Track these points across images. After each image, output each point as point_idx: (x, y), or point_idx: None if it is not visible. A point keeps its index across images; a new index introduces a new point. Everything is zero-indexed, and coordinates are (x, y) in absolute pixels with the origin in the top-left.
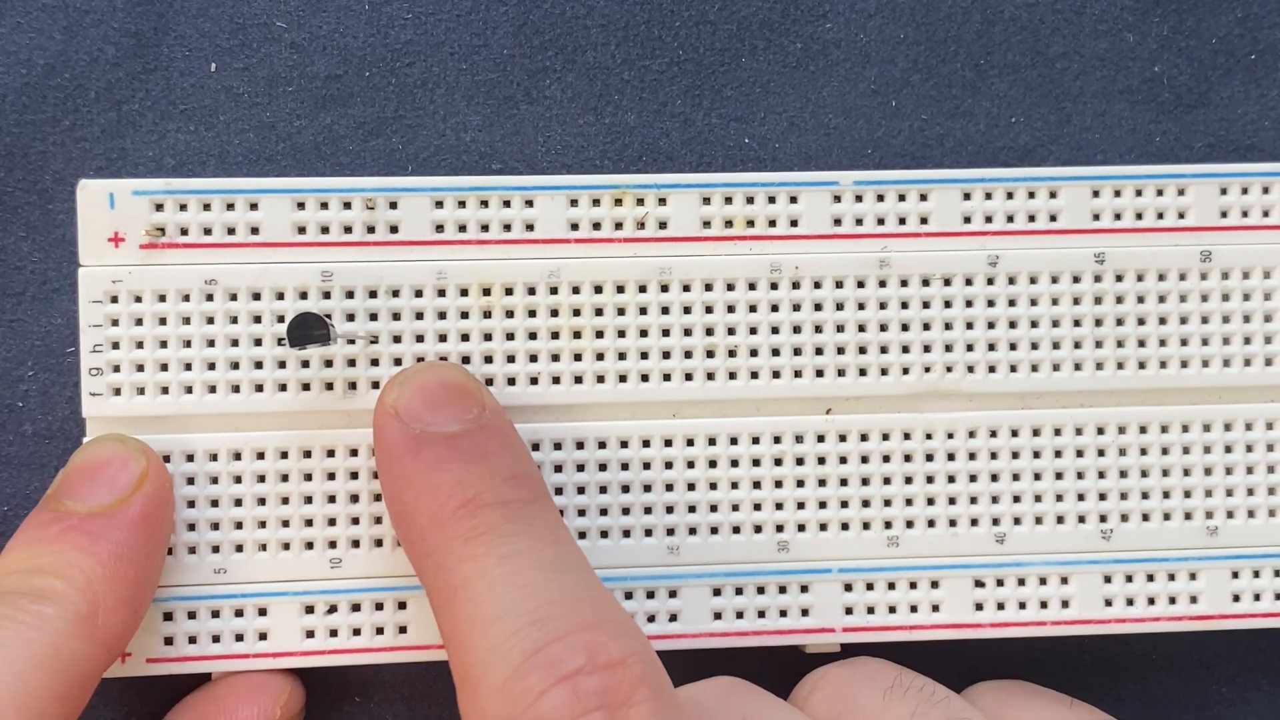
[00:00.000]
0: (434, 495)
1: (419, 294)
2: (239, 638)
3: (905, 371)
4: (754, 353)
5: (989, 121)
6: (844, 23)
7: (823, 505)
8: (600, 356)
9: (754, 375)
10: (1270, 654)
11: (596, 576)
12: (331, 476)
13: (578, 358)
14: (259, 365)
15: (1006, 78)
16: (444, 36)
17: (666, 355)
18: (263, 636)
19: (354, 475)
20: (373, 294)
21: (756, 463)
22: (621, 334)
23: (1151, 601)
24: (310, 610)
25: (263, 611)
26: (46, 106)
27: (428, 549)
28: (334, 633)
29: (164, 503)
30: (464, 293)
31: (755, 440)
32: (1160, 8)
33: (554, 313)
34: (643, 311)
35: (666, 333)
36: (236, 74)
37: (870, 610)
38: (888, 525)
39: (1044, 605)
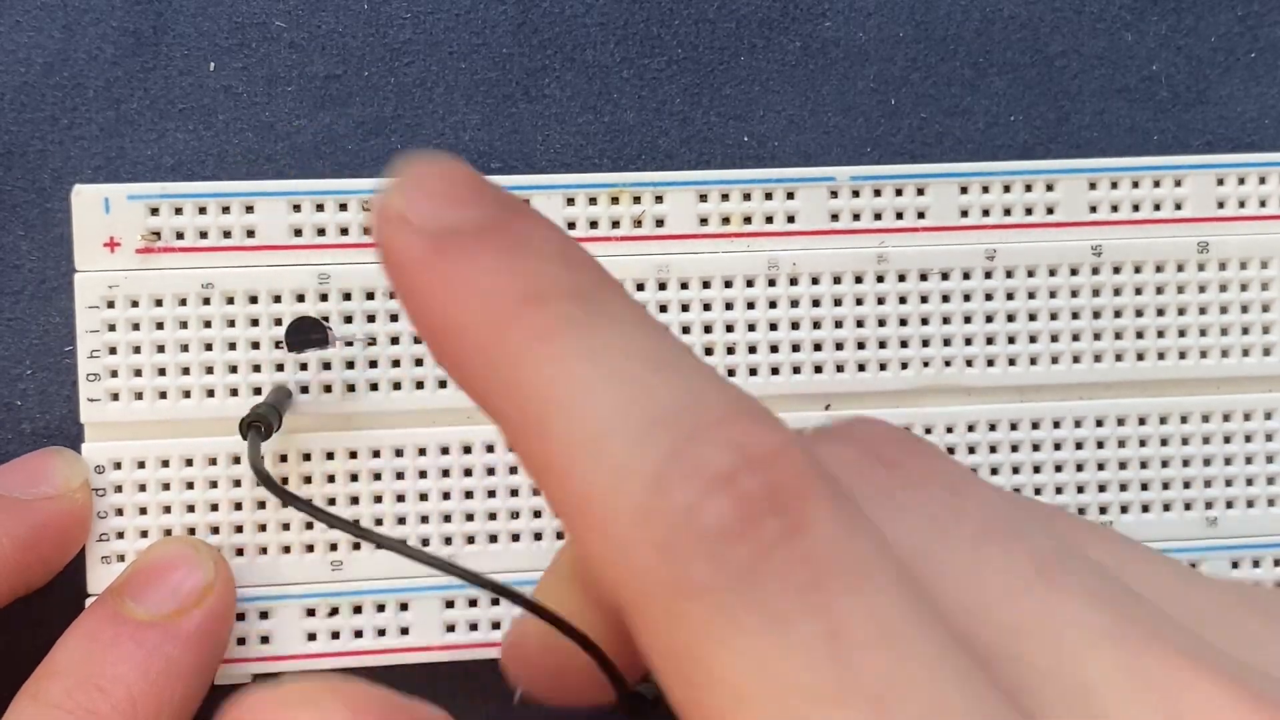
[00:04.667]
0: (482, 298)
1: None
2: (240, 641)
3: (904, 366)
4: (753, 349)
5: (988, 120)
6: (843, 21)
7: None
8: None
9: (753, 372)
10: None
11: (710, 369)
12: (331, 479)
13: None
14: (257, 369)
15: (1005, 76)
16: (443, 36)
17: None
18: (264, 640)
19: (354, 477)
20: (370, 296)
21: None
22: None
23: None
24: (311, 613)
25: (264, 615)
26: (45, 105)
27: (489, 365)
28: (335, 635)
29: (225, 618)
30: None
31: None
32: (1159, 6)
33: None
34: None
35: None
36: (235, 73)
37: None
38: None
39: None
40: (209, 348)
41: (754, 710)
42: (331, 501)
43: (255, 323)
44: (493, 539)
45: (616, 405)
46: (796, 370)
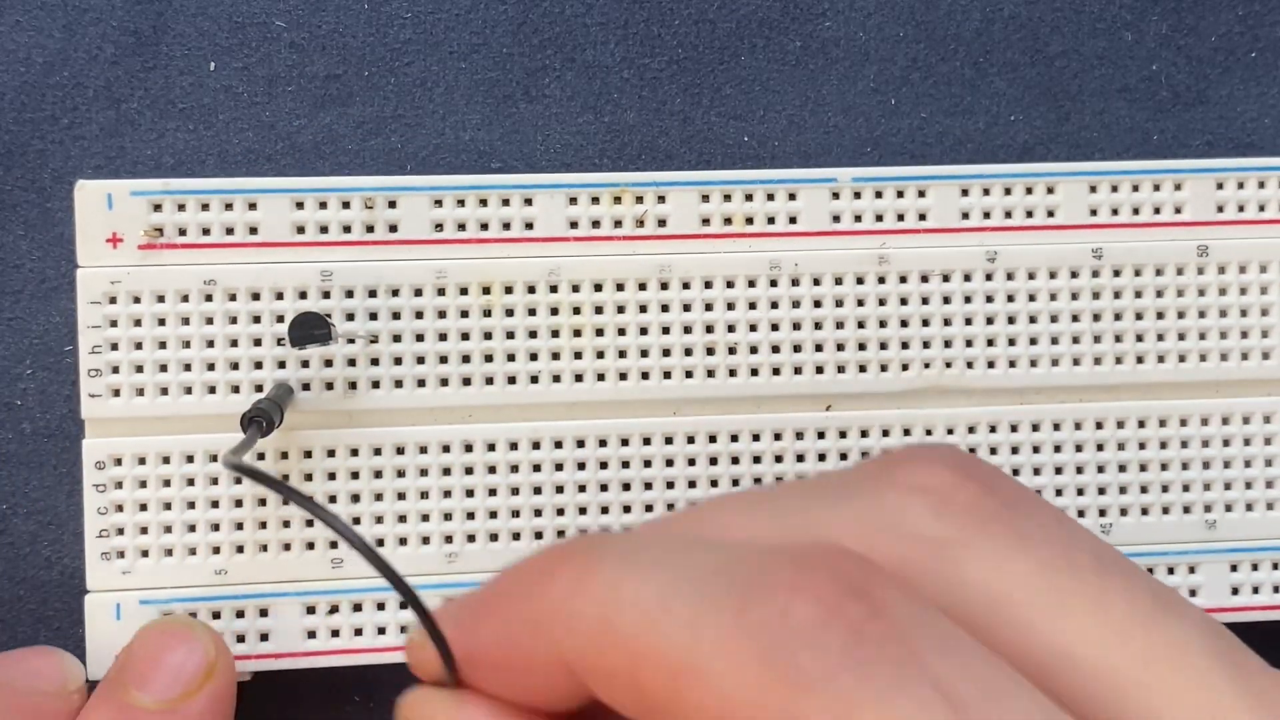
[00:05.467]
0: (514, 594)
1: (419, 293)
2: (240, 638)
3: (905, 368)
4: (754, 350)
5: (988, 119)
6: (843, 21)
7: None
8: (600, 355)
9: (754, 372)
10: (1270, 647)
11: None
12: (332, 476)
13: (578, 356)
14: (259, 365)
15: (1005, 76)
16: (443, 35)
17: (666, 353)
18: (264, 637)
19: (355, 475)
20: (372, 293)
21: (757, 460)
22: (621, 332)
23: None
24: (311, 610)
25: (264, 612)
26: (45, 105)
27: (546, 633)
28: (335, 633)
29: (230, 695)
30: (464, 291)
31: (756, 437)
32: (1159, 6)
33: (554, 311)
34: (642, 309)
35: (666, 330)
36: (236, 73)
37: None
38: None
39: None
40: (211, 344)
41: None
42: (333, 499)
43: (257, 319)
44: (493, 537)
45: (667, 580)
46: (798, 371)
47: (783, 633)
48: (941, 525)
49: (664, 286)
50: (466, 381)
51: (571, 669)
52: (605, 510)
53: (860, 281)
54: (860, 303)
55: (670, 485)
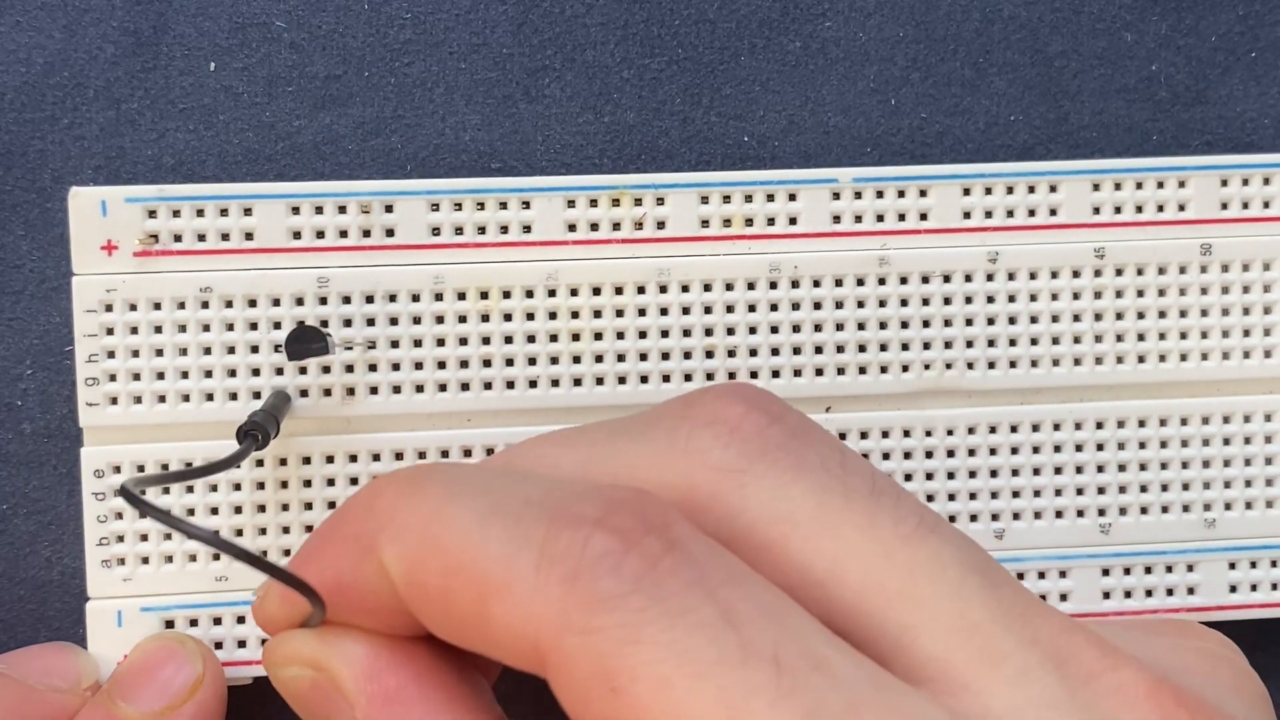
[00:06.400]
0: (345, 516)
1: (416, 298)
2: (241, 644)
3: (905, 369)
4: (754, 352)
5: (988, 120)
6: (843, 21)
7: None
8: (600, 358)
9: (754, 375)
10: (1269, 645)
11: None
12: (331, 482)
13: (577, 360)
14: (256, 372)
15: (1005, 76)
16: (443, 36)
17: (666, 356)
18: (264, 641)
19: (354, 481)
20: (369, 299)
21: None
22: (621, 335)
23: (1150, 594)
24: None
25: None
26: (45, 105)
27: (370, 540)
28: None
29: (216, 710)
30: (461, 296)
31: None
32: (1159, 6)
33: (552, 315)
34: (641, 313)
35: (666, 333)
36: (236, 73)
37: None
38: None
39: (1043, 599)
40: (208, 351)
41: (676, 689)
42: (332, 505)
43: (254, 326)
44: None
45: (489, 504)
46: (798, 373)
47: (585, 559)
48: (729, 454)
49: (663, 289)
50: (465, 386)
51: (394, 586)
52: None
53: (860, 283)
54: (860, 304)
55: None
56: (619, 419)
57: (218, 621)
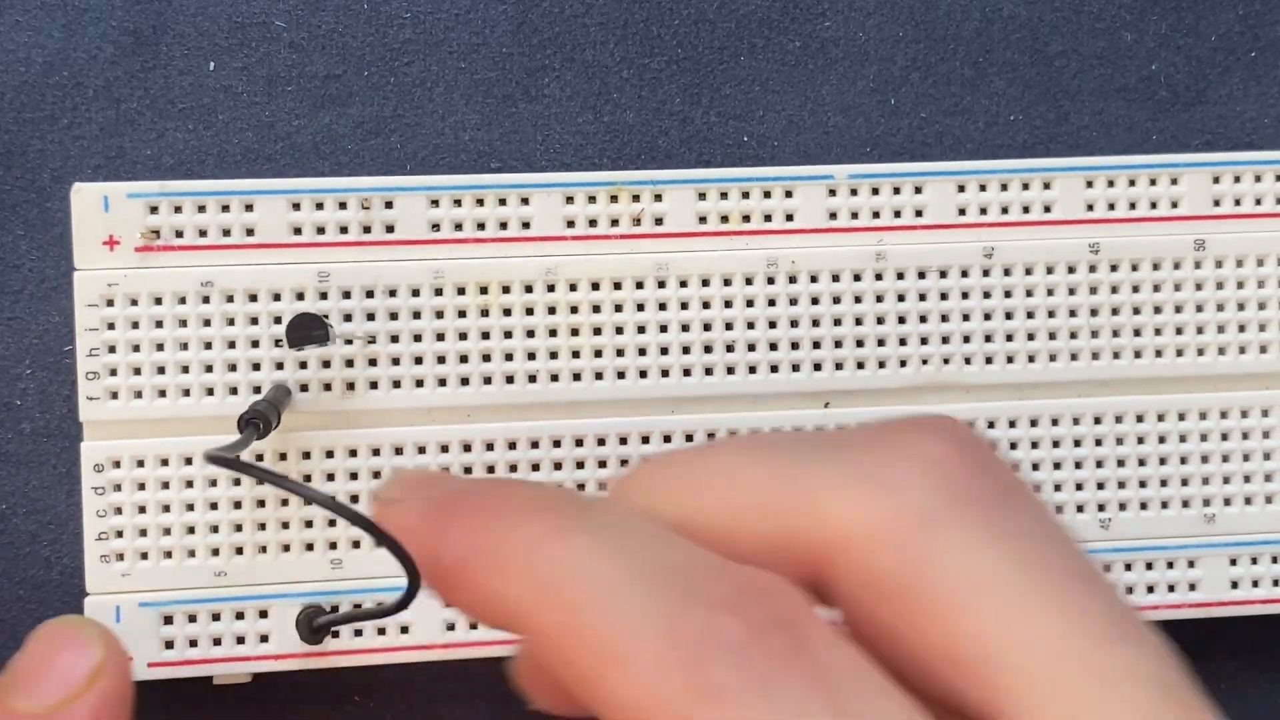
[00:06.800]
0: (490, 520)
1: (416, 293)
2: (240, 640)
3: (903, 364)
4: (752, 347)
5: (988, 119)
6: (843, 21)
7: None
8: (598, 353)
9: (752, 370)
10: (1269, 640)
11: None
12: (331, 477)
13: (576, 355)
14: (256, 367)
15: (1005, 75)
16: (443, 35)
17: (664, 351)
18: (264, 639)
19: (354, 475)
20: (370, 294)
21: None
22: (619, 330)
23: (1150, 589)
24: None
25: (263, 614)
26: (45, 104)
27: (501, 569)
28: (335, 634)
29: (120, 700)
30: (461, 291)
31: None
32: (1159, 6)
33: (551, 310)
34: (640, 308)
35: (664, 328)
36: (235, 73)
37: None
38: None
39: None
40: (208, 346)
41: None
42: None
43: (255, 321)
44: None
45: (626, 565)
46: (796, 368)
47: (707, 646)
48: (929, 497)
49: (661, 285)
50: (465, 381)
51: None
52: None
53: (858, 278)
54: (858, 299)
55: None
56: (816, 434)
57: (216, 617)
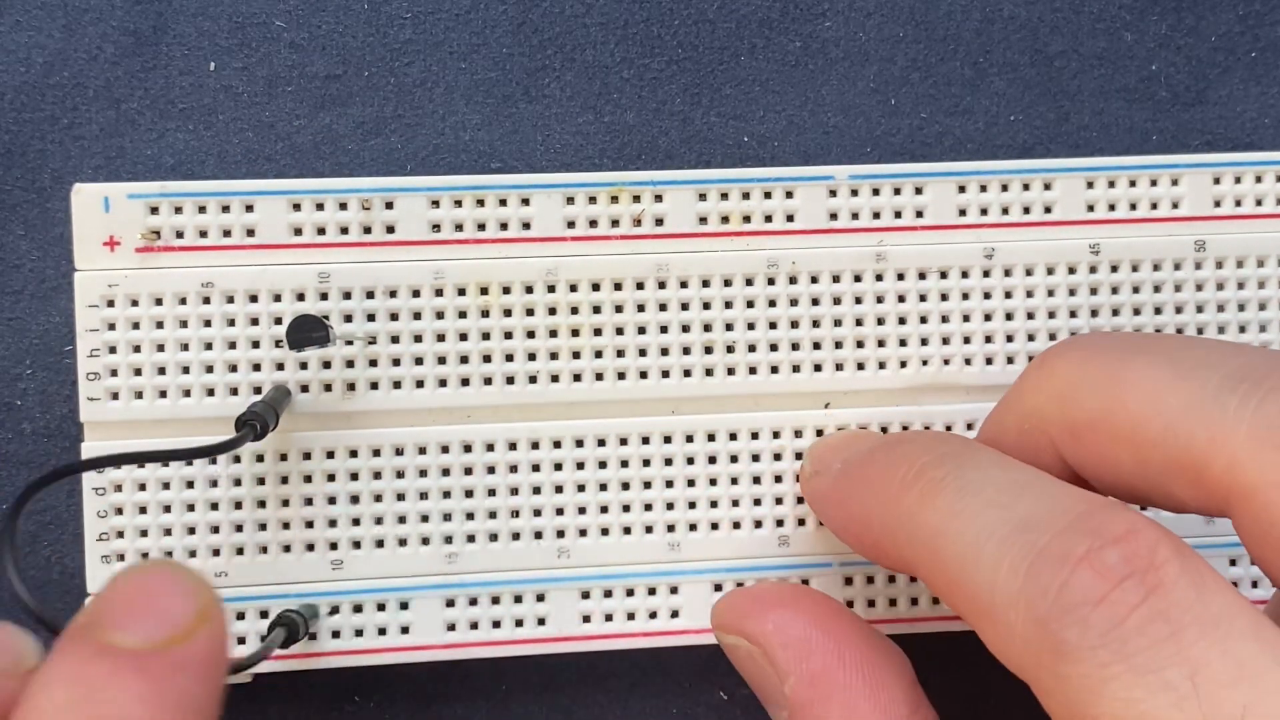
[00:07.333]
0: (877, 488)
1: (416, 294)
2: (241, 640)
3: (903, 365)
4: (752, 348)
5: (988, 120)
6: (843, 21)
7: None
8: (598, 354)
9: (752, 370)
10: None
11: (1062, 483)
12: (331, 478)
13: (576, 356)
14: (257, 368)
15: (1005, 76)
16: (443, 35)
17: (665, 352)
18: (265, 639)
19: (354, 476)
20: (370, 295)
21: (756, 458)
22: (619, 331)
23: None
24: None
25: (264, 614)
26: (45, 105)
27: (892, 534)
28: (336, 634)
29: (223, 651)
30: (461, 292)
31: (755, 436)
32: (1159, 6)
33: (552, 311)
34: (640, 308)
35: (664, 329)
36: (235, 73)
37: (871, 603)
38: None
39: None
40: (209, 347)
41: None
42: (332, 500)
43: (255, 322)
44: (493, 538)
45: (986, 524)
46: (796, 369)
47: (1059, 603)
48: None
49: (662, 285)
50: (465, 382)
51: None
52: (604, 509)
53: (858, 279)
54: (858, 300)
55: (669, 484)
56: (1220, 363)
57: None
